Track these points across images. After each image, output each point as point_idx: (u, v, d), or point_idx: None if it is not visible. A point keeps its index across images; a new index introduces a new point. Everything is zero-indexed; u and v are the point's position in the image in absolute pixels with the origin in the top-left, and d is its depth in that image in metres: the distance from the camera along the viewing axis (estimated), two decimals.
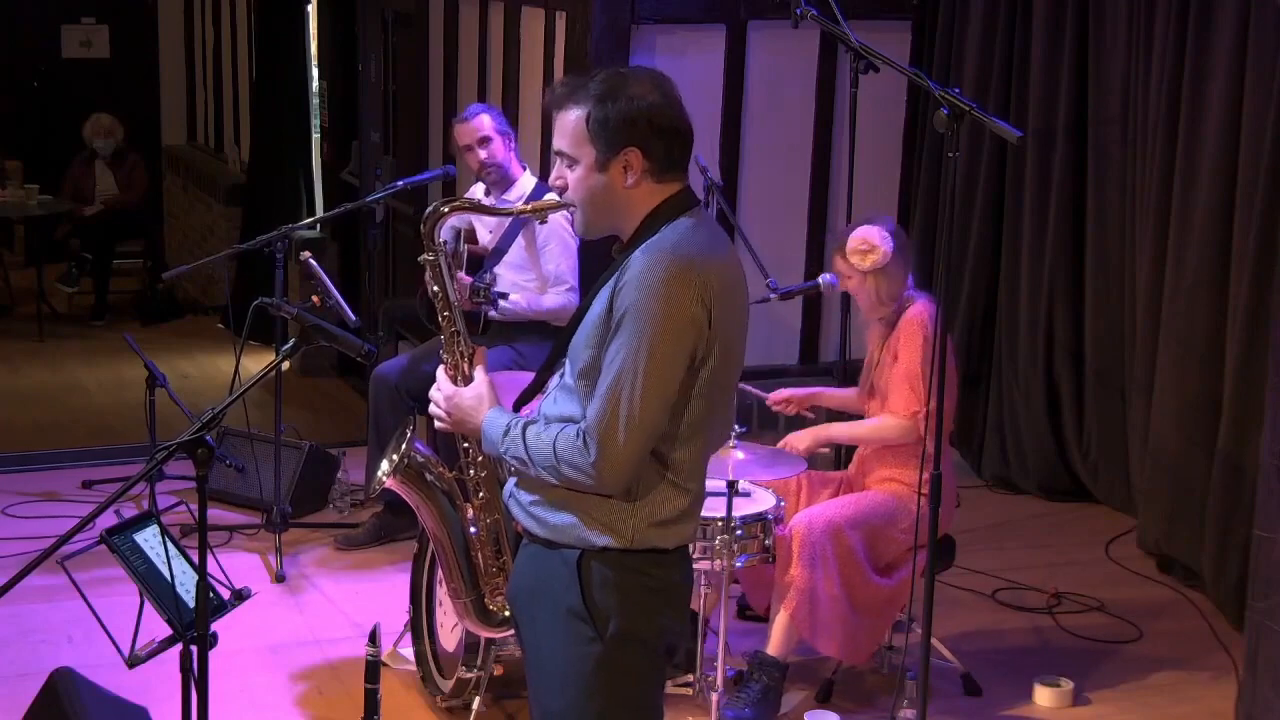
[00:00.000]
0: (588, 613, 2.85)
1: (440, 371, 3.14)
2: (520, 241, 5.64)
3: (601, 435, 2.75)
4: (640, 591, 2.86)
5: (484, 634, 3.77)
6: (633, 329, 2.73)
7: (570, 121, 2.84)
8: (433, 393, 3.10)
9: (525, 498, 2.93)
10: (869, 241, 4.56)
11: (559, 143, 2.88)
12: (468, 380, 3.10)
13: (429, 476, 3.50)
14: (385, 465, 3.53)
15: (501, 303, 5.60)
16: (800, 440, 4.69)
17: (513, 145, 5.69)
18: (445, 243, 3.27)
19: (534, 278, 5.64)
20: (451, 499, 3.48)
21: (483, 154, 5.65)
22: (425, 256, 3.22)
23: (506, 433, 2.90)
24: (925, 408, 4.48)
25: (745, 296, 2.91)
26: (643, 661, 2.92)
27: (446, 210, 3.21)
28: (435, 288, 3.22)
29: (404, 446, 3.50)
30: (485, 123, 5.63)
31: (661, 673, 3.03)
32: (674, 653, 3.07)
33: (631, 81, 2.82)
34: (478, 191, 5.85)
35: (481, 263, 5.79)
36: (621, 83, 2.81)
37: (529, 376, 3.12)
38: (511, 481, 3.00)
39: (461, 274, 5.63)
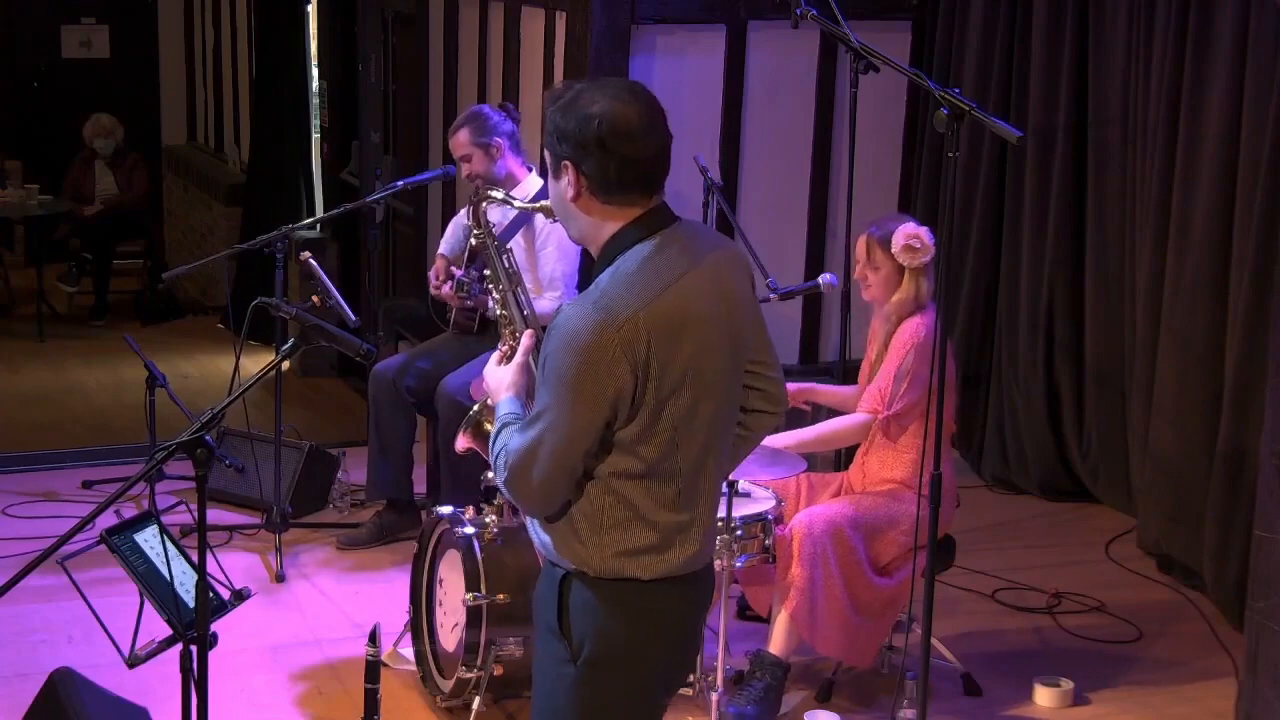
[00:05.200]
0: (562, 633, 2.83)
1: (494, 354, 3.17)
2: (520, 241, 5.63)
3: (520, 465, 2.76)
4: (618, 618, 2.80)
5: None
6: (548, 382, 2.71)
7: None
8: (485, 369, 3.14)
9: None
10: (921, 240, 4.57)
11: None
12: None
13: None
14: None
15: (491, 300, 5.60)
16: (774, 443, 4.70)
17: (505, 150, 5.64)
18: (494, 224, 3.38)
19: (529, 276, 5.63)
20: None
21: (465, 169, 5.66)
22: (473, 240, 3.30)
23: (498, 424, 2.91)
24: (888, 412, 4.57)
25: (718, 313, 2.79)
26: (621, 691, 2.85)
27: (498, 198, 3.46)
28: (486, 270, 3.31)
29: (480, 404, 3.53)
30: (463, 140, 5.59)
31: (652, 706, 2.94)
32: (675, 684, 3.01)
33: (586, 96, 2.75)
34: None
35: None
36: (576, 97, 2.77)
37: None
38: None
39: (458, 271, 5.64)
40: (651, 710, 2.96)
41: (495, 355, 3.16)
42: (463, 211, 6.07)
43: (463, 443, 3.55)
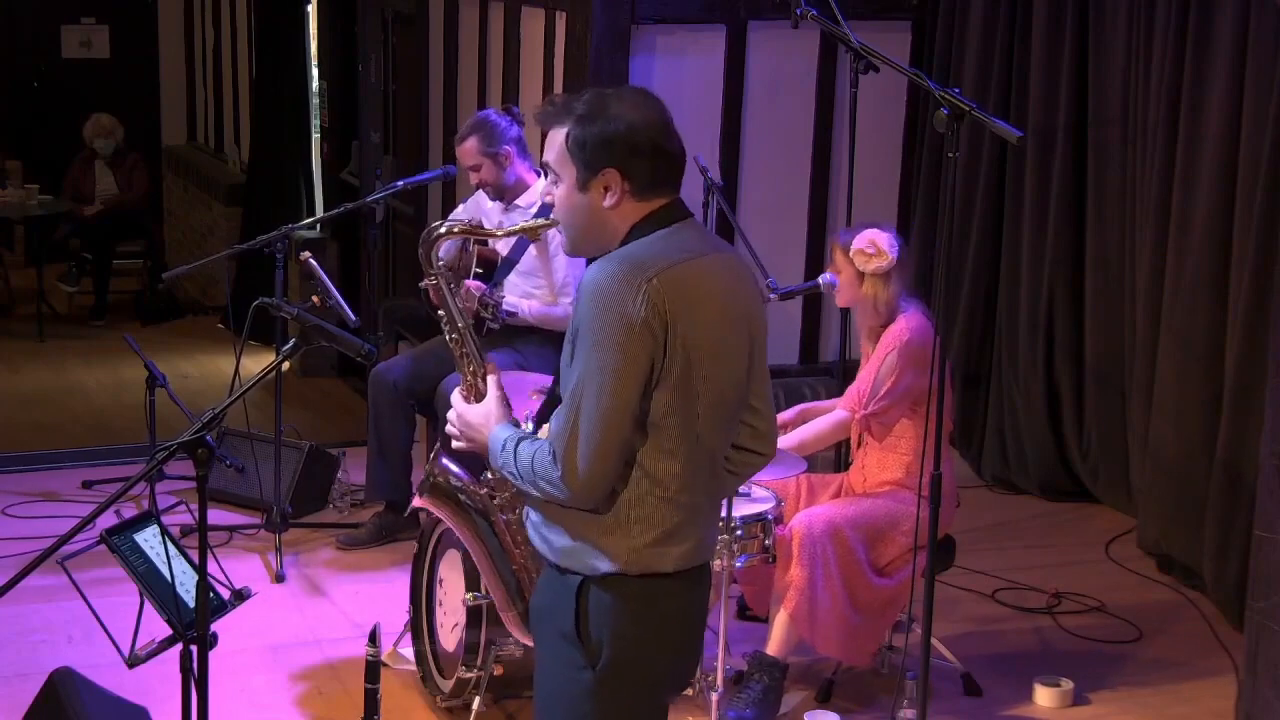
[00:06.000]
0: (579, 640, 2.83)
1: (455, 393, 3.14)
2: (532, 249, 5.61)
3: (564, 449, 2.74)
4: (637, 622, 2.82)
5: None
6: (585, 342, 2.72)
7: (558, 139, 2.83)
8: (449, 413, 3.10)
9: (535, 519, 2.93)
10: (877, 245, 4.56)
11: (546, 155, 2.87)
12: (482, 397, 3.10)
13: (461, 496, 3.51)
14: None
15: (506, 308, 5.58)
16: None
17: (514, 158, 5.62)
18: (441, 264, 3.28)
19: (544, 284, 5.61)
20: (486, 515, 3.49)
21: (474, 178, 5.65)
22: (426, 281, 3.22)
23: (504, 447, 2.89)
24: (864, 411, 4.58)
25: (737, 301, 2.85)
26: (636, 694, 2.88)
27: (444, 232, 3.22)
28: (440, 311, 3.23)
29: (429, 465, 3.51)
30: (471, 149, 5.56)
31: (664, 703, 2.98)
32: (682, 684, 3.03)
33: (614, 101, 2.79)
34: (482, 198, 5.80)
35: (489, 265, 5.76)
36: (603, 103, 2.79)
37: (535, 376, 3.13)
38: (526, 506, 3.00)
39: (470, 281, 5.59)
40: (664, 708, 3.00)
41: (457, 394, 3.15)
42: (460, 207, 6.05)
43: (418, 502, 3.55)
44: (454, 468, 3.51)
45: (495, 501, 3.55)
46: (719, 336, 2.81)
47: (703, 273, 2.79)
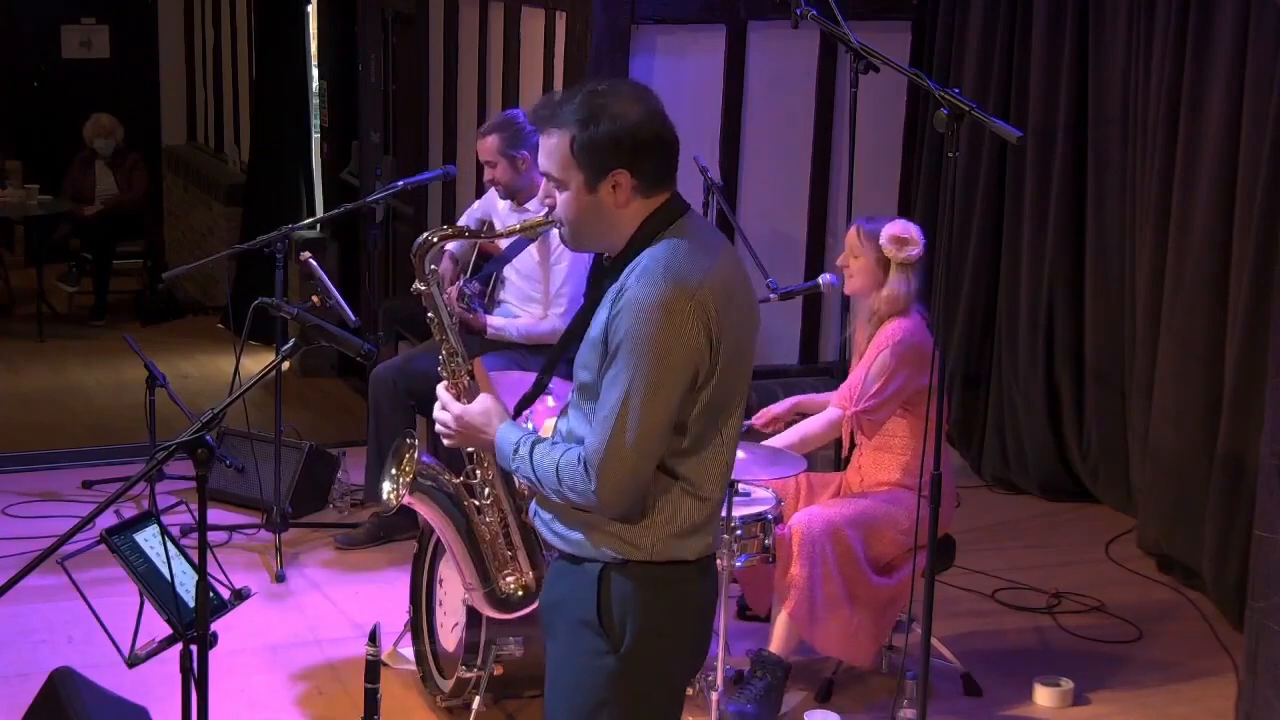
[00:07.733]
0: (601, 626, 2.84)
1: (442, 389, 3.13)
2: (531, 251, 5.60)
3: (601, 463, 2.74)
4: (659, 607, 2.84)
5: (507, 617, 3.80)
6: (630, 357, 2.71)
7: (554, 145, 2.81)
8: (438, 412, 3.09)
9: (546, 516, 2.94)
10: (910, 233, 4.58)
11: (544, 165, 2.85)
12: (471, 396, 3.09)
13: (428, 482, 3.51)
14: (388, 484, 3.54)
15: (491, 323, 5.57)
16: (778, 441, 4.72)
17: (530, 164, 5.60)
18: (433, 270, 3.26)
19: (539, 288, 5.61)
20: (456, 500, 3.49)
21: (488, 173, 5.65)
22: (418, 286, 3.20)
23: (516, 451, 2.89)
24: (855, 408, 4.58)
25: (749, 295, 2.89)
26: (657, 678, 2.89)
27: (436, 241, 3.20)
28: (430, 314, 3.22)
29: (412, 460, 3.50)
30: (491, 146, 5.55)
31: (680, 690, 3.00)
32: (694, 673, 3.05)
33: (612, 100, 2.78)
34: (495, 196, 5.80)
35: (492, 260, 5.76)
36: (603, 103, 2.77)
37: (532, 376, 3.13)
38: (534, 501, 3.01)
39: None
40: (681, 696, 3.02)
41: (443, 389, 3.14)
42: (475, 204, 6.04)
43: (407, 499, 3.54)
44: (428, 459, 3.53)
45: (470, 487, 3.53)
46: (745, 337, 2.86)
47: (727, 271, 2.83)
